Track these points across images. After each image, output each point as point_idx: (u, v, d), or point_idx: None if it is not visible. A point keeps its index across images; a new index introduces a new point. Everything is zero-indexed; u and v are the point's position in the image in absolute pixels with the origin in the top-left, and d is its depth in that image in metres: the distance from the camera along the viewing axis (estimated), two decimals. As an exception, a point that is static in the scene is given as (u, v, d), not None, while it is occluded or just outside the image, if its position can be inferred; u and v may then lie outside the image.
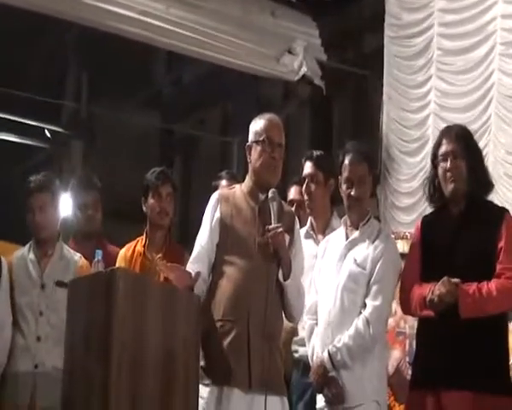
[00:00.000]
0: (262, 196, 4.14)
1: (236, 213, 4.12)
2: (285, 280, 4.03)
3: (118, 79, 10.20)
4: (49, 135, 10.89)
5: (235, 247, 4.06)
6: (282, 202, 4.27)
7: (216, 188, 5.18)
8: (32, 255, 4.96)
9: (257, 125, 4.17)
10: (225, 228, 4.10)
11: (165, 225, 5.03)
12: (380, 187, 8.43)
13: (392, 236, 5.09)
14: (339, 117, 10.46)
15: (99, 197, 5.51)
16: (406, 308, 4.18)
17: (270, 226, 4.00)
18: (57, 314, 4.75)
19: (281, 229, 3.99)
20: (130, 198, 5.19)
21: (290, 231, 4.14)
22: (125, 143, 11.23)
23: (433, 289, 3.93)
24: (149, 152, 10.98)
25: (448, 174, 4.07)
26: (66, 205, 5.64)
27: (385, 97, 9.02)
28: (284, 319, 4.26)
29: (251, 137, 4.19)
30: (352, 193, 4.32)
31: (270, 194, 4.10)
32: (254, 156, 4.14)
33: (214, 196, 4.20)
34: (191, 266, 4.10)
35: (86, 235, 5.43)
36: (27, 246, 5.03)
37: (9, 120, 10.34)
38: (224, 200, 4.17)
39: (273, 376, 3.98)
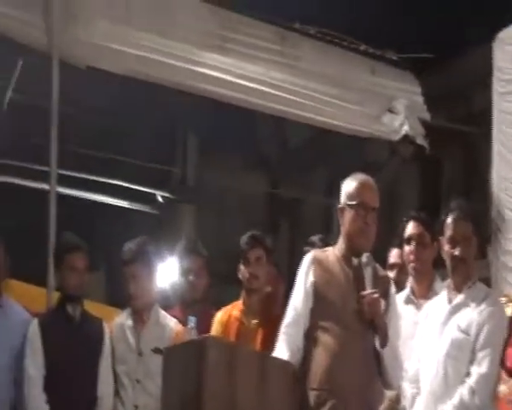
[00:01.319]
0: (355, 261, 4.03)
1: (330, 278, 4.03)
2: (382, 347, 3.90)
3: (225, 143, 10.31)
4: (160, 199, 11.09)
5: (330, 313, 3.96)
6: (377, 265, 4.15)
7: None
8: (129, 322, 4.99)
9: (350, 186, 4.07)
10: (319, 293, 4.01)
11: (258, 289, 4.94)
12: (491, 248, 8.14)
13: (504, 299, 4.85)
14: (447, 177, 10.24)
15: (203, 264, 5.47)
16: None
17: (365, 292, 3.90)
18: (154, 382, 4.74)
19: (376, 295, 3.88)
20: (236, 262, 5.13)
21: (385, 295, 4.02)
22: (232, 207, 11.30)
23: None
24: (256, 216, 11.00)
25: None
26: (172, 270, 5.67)
27: (494, 155, 8.75)
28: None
29: (343, 198, 4.08)
30: (457, 253, 4.13)
31: (364, 259, 4.01)
32: (347, 220, 4.04)
33: (307, 258, 4.10)
34: (286, 330, 4.03)
35: (191, 301, 5.40)
36: (125, 313, 5.07)
37: (119, 185, 10.59)
38: (318, 263, 4.08)
39: None
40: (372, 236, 4.02)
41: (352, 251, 4.04)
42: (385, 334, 3.90)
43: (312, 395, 3.90)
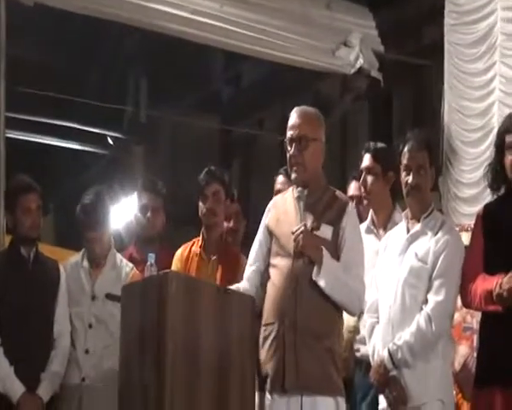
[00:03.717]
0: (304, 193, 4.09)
1: (283, 216, 4.13)
2: (315, 277, 3.94)
3: (176, 81, 10.18)
4: (111, 142, 10.96)
5: (278, 249, 4.09)
6: (337, 192, 4.18)
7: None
8: (85, 263, 4.96)
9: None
10: (272, 233, 4.13)
11: (216, 224, 4.92)
12: (442, 179, 8.22)
13: (456, 228, 4.89)
14: (398, 109, 10.28)
15: (161, 202, 5.44)
16: (467, 302, 4.00)
17: (294, 228, 3.96)
18: (106, 328, 4.78)
19: (301, 229, 3.94)
20: (189, 202, 5.09)
21: (336, 220, 4.05)
22: (184, 145, 11.23)
23: (501, 283, 3.73)
24: (209, 154, 10.94)
25: None
26: (129, 208, 5.59)
27: (446, 87, 8.79)
28: (346, 317, 4.18)
29: None
30: (410, 181, 4.14)
31: (295, 193, 4.09)
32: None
33: (269, 205, 4.24)
34: (246, 272, 4.20)
35: (147, 239, 5.36)
36: (81, 254, 5.03)
37: (71, 127, 10.43)
38: (274, 206, 4.22)
39: (315, 377, 3.90)
40: (300, 167, 4.05)
41: (294, 184, 4.13)
42: (319, 265, 3.94)
43: (262, 331, 4.02)
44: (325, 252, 3.97)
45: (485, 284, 3.83)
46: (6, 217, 5.07)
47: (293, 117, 4.11)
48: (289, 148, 4.08)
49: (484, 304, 3.86)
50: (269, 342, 3.98)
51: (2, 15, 6.81)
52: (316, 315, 3.96)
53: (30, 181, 4.91)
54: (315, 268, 3.95)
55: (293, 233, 3.97)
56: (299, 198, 4.07)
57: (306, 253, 3.96)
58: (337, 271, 3.98)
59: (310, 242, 3.97)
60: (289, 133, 4.09)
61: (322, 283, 3.94)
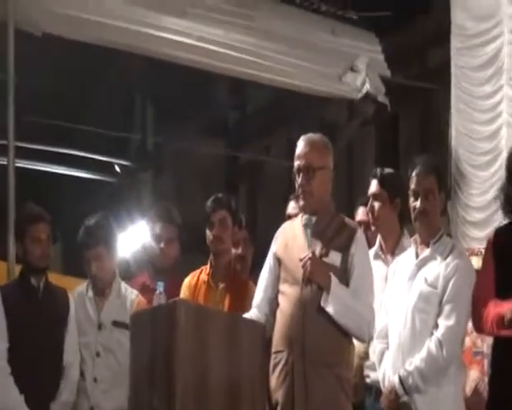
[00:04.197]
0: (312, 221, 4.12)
1: (291, 243, 4.14)
2: (323, 304, 3.94)
3: (181, 108, 10.21)
4: (118, 169, 10.97)
5: (287, 276, 4.09)
6: (346, 219, 4.19)
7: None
8: (90, 293, 4.97)
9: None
10: (280, 260, 4.14)
11: (224, 251, 4.90)
12: (450, 203, 8.20)
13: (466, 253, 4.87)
14: (406, 134, 10.28)
15: (176, 232, 5.35)
16: (479, 327, 3.98)
17: (302, 256, 3.98)
18: (114, 356, 4.79)
19: (309, 256, 3.95)
20: (196, 229, 5.07)
21: (344, 247, 4.05)
22: (191, 171, 11.23)
23: None
24: (215, 180, 10.95)
25: None
26: (136, 235, 5.55)
27: (453, 111, 8.80)
28: (356, 343, 4.18)
29: None
30: (417, 206, 4.13)
31: (303, 221, 4.11)
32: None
33: (277, 232, 4.25)
34: (255, 299, 4.21)
35: (159, 270, 5.29)
36: (85, 284, 5.04)
37: (78, 156, 10.45)
38: (282, 232, 4.22)
39: (325, 404, 3.90)
40: (307, 196, 4.07)
41: (302, 212, 4.16)
42: (327, 291, 3.94)
43: (272, 359, 4.02)
44: (333, 278, 3.96)
45: (498, 308, 3.81)
46: (17, 247, 5.07)
47: (301, 146, 4.11)
48: (297, 177, 4.09)
49: (496, 329, 3.83)
50: (278, 369, 3.98)
51: (11, 46, 6.85)
52: (325, 342, 3.95)
53: (40, 211, 4.92)
54: (323, 295, 3.94)
55: (301, 260, 3.97)
56: (306, 226, 4.09)
57: (314, 280, 3.96)
58: (346, 297, 3.97)
59: (318, 268, 3.97)
60: (296, 163, 4.10)
61: (330, 309, 3.93)
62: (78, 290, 5.03)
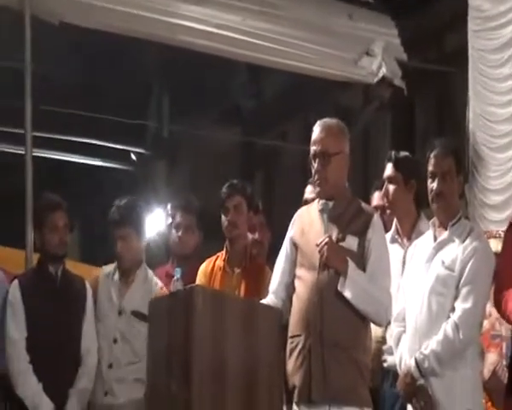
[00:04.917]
0: (329, 205, 4.11)
1: (308, 228, 4.13)
2: (340, 288, 3.94)
3: (198, 95, 10.19)
4: (134, 158, 10.98)
5: (303, 261, 4.09)
6: (363, 204, 4.19)
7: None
8: (116, 276, 4.99)
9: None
10: (297, 245, 4.13)
11: (239, 237, 4.90)
12: (468, 186, 8.15)
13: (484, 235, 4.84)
14: (422, 118, 10.19)
15: (194, 220, 5.45)
16: (500, 311, 3.95)
17: (318, 241, 3.96)
18: (131, 344, 4.80)
19: (326, 241, 3.94)
20: (213, 215, 5.09)
21: (361, 231, 4.04)
22: (207, 159, 11.21)
23: None
24: (231, 167, 10.93)
25: None
26: (154, 224, 5.57)
27: (471, 94, 8.71)
28: (373, 327, 4.16)
29: None
30: (434, 187, 4.10)
31: (319, 206, 4.10)
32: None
33: (294, 217, 4.24)
34: (271, 285, 4.20)
35: (182, 257, 5.39)
36: (113, 266, 5.04)
37: (94, 144, 10.47)
38: (299, 218, 4.22)
39: (342, 388, 3.89)
40: (326, 179, 4.06)
41: (318, 198, 4.15)
42: (344, 275, 3.93)
43: (288, 344, 4.01)
44: (350, 263, 3.95)
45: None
46: (35, 235, 5.11)
47: (316, 132, 4.11)
48: (313, 162, 4.09)
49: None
50: (295, 353, 3.97)
51: (28, 35, 6.86)
52: (342, 326, 3.94)
53: (57, 199, 4.95)
54: (340, 279, 3.94)
55: (317, 245, 3.97)
56: (322, 211, 4.08)
57: (331, 264, 3.95)
58: (363, 282, 3.96)
59: (334, 253, 3.96)
60: (312, 149, 4.09)
61: (347, 294, 3.92)
62: (105, 271, 5.05)
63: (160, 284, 5.02)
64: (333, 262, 3.95)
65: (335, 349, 3.91)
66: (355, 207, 4.11)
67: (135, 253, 4.97)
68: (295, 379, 3.94)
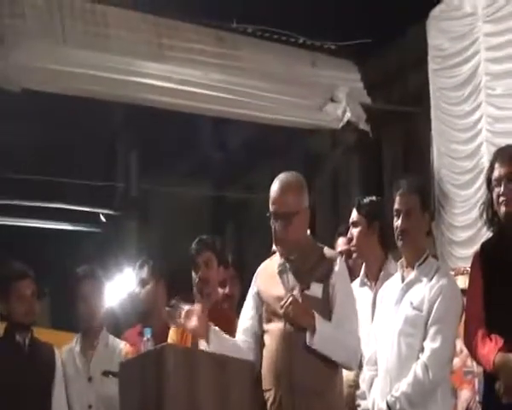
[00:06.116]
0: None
1: (272, 282, 4.10)
2: (309, 342, 3.90)
3: (164, 151, 10.22)
4: (103, 219, 10.94)
5: (270, 316, 4.06)
6: (325, 249, 4.16)
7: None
8: (77, 348, 5.00)
9: None
10: (262, 299, 4.11)
11: (210, 293, 4.89)
12: (435, 223, 8.19)
13: (452, 272, 4.85)
14: (389, 159, 10.28)
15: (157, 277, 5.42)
16: (469, 349, 3.94)
17: (282, 302, 3.94)
18: (106, 406, 4.76)
19: (289, 300, 3.92)
20: (185, 271, 5.07)
21: (325, 277, 4.02)
22: (177, 215, 11.20)
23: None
24: (202, 221, 10.94)
25: (501, 198, 3.89)
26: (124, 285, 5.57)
27: (434, 132, 8.82)
28: (345, 372, 4.15)
29: None
30: (398, 224, 4.11)
31: (277, 268, 4.07)
32: None
33: (257, 270, 4.23)
34: (238, 336, 4.17)
35: (146, 314, 5.33)
36: (74, 340, 5.07)
37: (62, 208, 10.42)
38: (262, 271, 4.19)
39: None
40: (286, 239, 4.02)
41: (280, 256, 4.12)
42: (311, 330, 3.90)
43: (266, 396, 3.96)
44: (316, 316, 3.93)
45: (483, 351, 3.80)
46: (1, 305, 5.05)
47: (275, 190, 4.06)
48: (273, 221, 4.05)
49: (485, 368, 3.84)
50: (268, 407, 3.94)
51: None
52: (312, 373, 3.91)
53: (23, 267, 4.93)
54: (308, 334, 3.91)
55: (281, 307, 3.94)
56: (281, 272, 4.06)
57: (298, 323, 3.93)
58: (331, 332, 3.94)
59: (300, 311, 3.93)
60: (272, 207, 4.05)
61: (316, 346, 3.90)
62: (67, 347, 5.04)
63: (123, 341, 5.03)
64: (300, 321, 3.92)
65: (308, 396, 3.89)
66: (317, 255, 4.09)
67: (96, 311, 4.99)
68: None
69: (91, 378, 4.87)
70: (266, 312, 4.06)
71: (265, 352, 4.02)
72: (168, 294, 5.42)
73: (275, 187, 4.07)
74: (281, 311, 3.94)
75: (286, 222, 4.01)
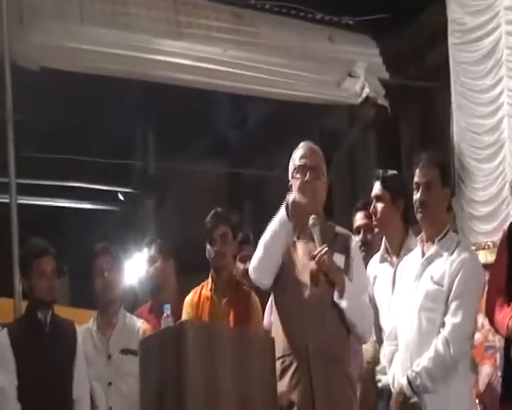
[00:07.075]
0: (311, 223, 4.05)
1: (293, 250, 4.09)
2: (340, 297, 3.93)
3: (182, 130, 10.19)
4: (121, 198, 10.96)
5: (291, 285, 4.04)
6: (337, 227, 4.18)
7: None
8: (95, 326, 5.02)
9: (290, 163, 4.13)
10: (282, 269, 4.06)
11: (225, 266, 4.89)
12: (455, 198, 8.14)
13: (473, 247, 4.82)
14: (407, 134, 10.22)
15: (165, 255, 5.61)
16: (491, 322, 3.93)
17: (315, 252, 3.91)
18: (126, 383, 4.81)
19: (325, 250, 3.91)
20: (202, 250, 5.08)
21: (344, 250, 4.05)
22: (195, 194, 11.19)
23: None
24: (220, 199, 10.92)
25: None
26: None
27: (454, 106, 8.75)
28: (364, 349, 4.25)
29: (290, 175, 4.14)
30: (418, 197, 4.08)
31: (310, 221, 4.00)
32: (294, 190, 4.06)
33: None
34: None
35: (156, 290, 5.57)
36: (92, 318, 5.09)
37: (81, 187, 10.45)
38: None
39: (342, 402, 3.90)
40: (315, 193, 4.02)
41: (305, 208, 4.05)
42: (342, 286, 3.92)
43: (278, 364, 3.95)
44: (345, 277, 3.97)
45: (503, 316, 3.81)
46: (23, 282, 5.09)
47: (305, 148, 4.09)
48: (299, 175, 4.02)
49: (502, 333, 3.85)
50: (290, 372, 3.93)
51: (8, 81, 6.88)
52: (333, 340, 3.95)
53: (44, 244, 4.95)
54: (336, 290, 3.92)
55: (313, 256, 3.91)
56: (313, 225, 3.99)
57: (330, 274, 3.92)
58: (356, 297, 3.98)
59: (333, 264, 3.95)
60: (303, 161, 4.03)
61: (344, 304, 3.93)
62: (84, 326, 5.06)
63: (141, 320, 5.08)
64: (332, 273, 3.92)
65: (328, 362, 3.90)
66: (331, 230, 4.11)
67: (114, 286, 5.02)
68: (293, 396, 3.90)
69: (110, 356, 4.90)
70: (287, 280, 4.03)
71: (284, 317, 4.01)
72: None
73: (302, 146, 4.10)
74: (313, 261, 3.91)
75: (315, 175, 4.01)
